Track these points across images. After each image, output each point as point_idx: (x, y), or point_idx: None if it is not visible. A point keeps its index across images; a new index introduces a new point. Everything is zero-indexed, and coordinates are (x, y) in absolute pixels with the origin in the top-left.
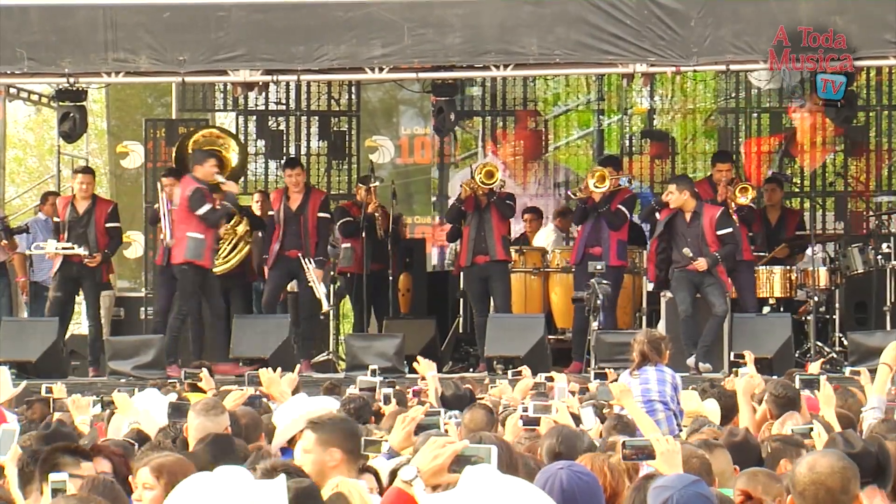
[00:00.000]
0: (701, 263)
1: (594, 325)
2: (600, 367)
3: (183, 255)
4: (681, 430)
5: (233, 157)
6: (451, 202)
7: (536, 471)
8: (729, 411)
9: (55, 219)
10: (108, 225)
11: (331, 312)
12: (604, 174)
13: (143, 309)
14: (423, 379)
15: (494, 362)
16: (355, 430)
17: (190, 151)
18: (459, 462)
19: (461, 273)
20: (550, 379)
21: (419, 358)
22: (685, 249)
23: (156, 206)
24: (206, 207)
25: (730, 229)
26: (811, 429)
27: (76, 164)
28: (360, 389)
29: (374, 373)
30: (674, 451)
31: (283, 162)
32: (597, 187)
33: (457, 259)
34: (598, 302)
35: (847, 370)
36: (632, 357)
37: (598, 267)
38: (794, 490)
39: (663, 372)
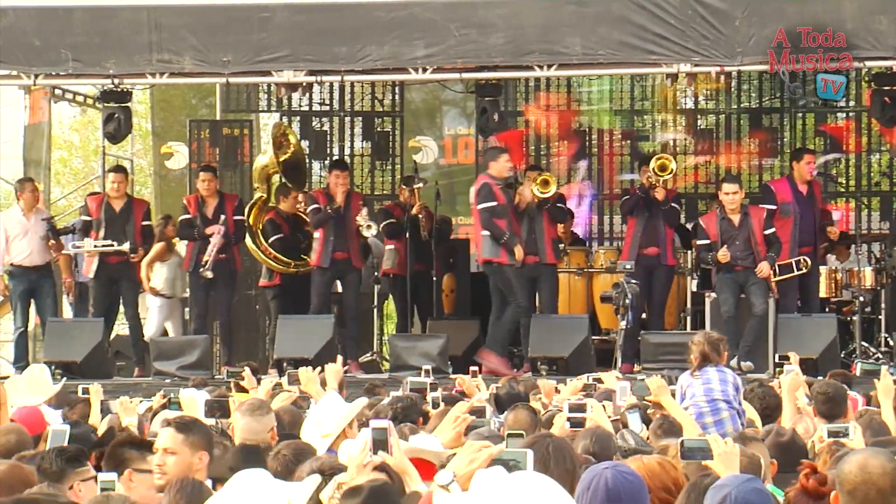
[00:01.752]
0: (764, 269)
1: (622, 324)
2: (641, 368)
3: (482, 253)
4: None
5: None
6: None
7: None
8: (773, 411)
9: (84, 217)
10: (143, 223)
11: (374, 312)
12: (665, 162)
13: (186, 310)
14: (476, 375)
15: (538, 363)
16: (212, 435)
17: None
18: (496, 466)
19: None
20: (599, 381)
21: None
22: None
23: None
24: (488, 204)
25: (773, 230)
26: (846, 428)
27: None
28: (411, 390)
29: (427, 373)
30: (732, 453)
31: (329, 163)
32: (659, 175)
33: None
34: (628, 301)
35: (884, 371)
36: (690, 358)
37: (628, 266)
38: (842, 489)
39: (724, 372)
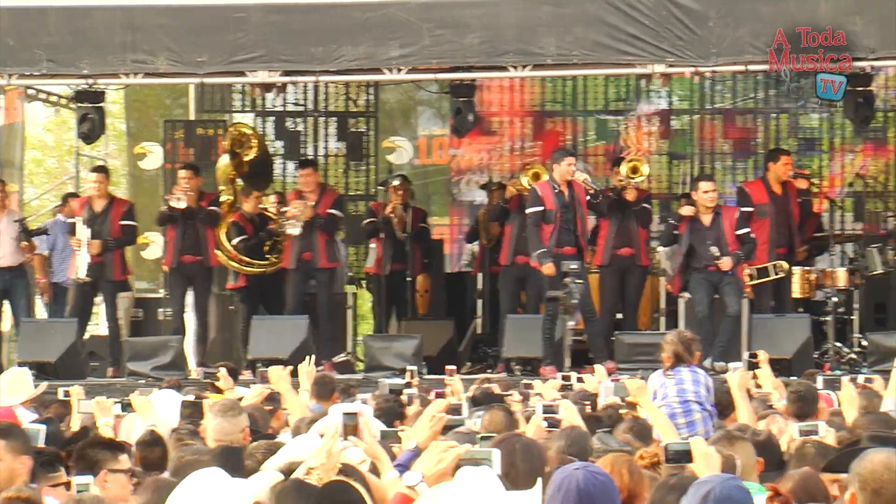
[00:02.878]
0: (726, 262)
1: (570, 323)
2: (616, 369)
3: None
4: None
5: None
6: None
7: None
8: (724, 408)
9: (70, 219)
10: (122, 223)
11: (348, 312)
12: (637, 165)
13: (161, 310)
14: (452, 375)
15: (512, 363)
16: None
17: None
18: (463, 466)
19: (480, 273)
20: (581, 380)
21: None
22: (713, 248)
23: (165, 207)
24: (534, 209)
25: (747, 230)
26: (817, 427)
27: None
28: (391, 391)
29: (412, 374)
30: (713, 455)
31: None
32: (630, 178)
33: (474, 259)
34: (574, 301)
35: (861, 377)
36: (662, 357)
37: (573, 266)
38: (865, 488)
39: (697, 373)
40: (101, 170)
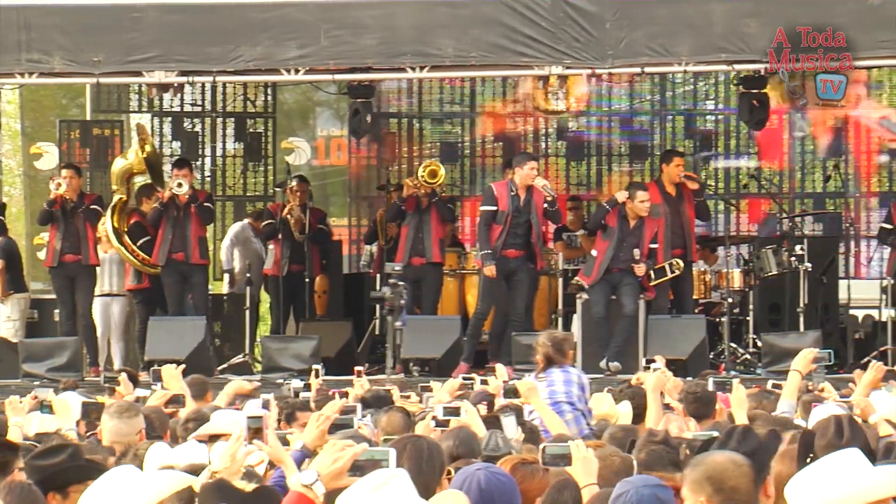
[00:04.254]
0: (641, 268)
1: (398, 324)
2: (513, 369)
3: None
4: (590, 430)
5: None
6: None
7: None
8: (643, 411)
9: None
10: None
11: (247, 313)
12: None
13: (57, 311)
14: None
15: (411, 364)
16: None
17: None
18: (359, 465)
19: (379, 274)
20: (485, 381)
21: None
22: (635, 251)
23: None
24: (486, 208)
25: (656, 245)
26: (711, 436)
27: None
28: (295, 395)
29: (317, 373)
30: (592, 460)
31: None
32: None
33: (373, 260)
34: (402, 302)
35: (769, 384)
36: (535, 360)
37: (396, 269)
38: (723, 487)
39: (569, 372)
40: None
